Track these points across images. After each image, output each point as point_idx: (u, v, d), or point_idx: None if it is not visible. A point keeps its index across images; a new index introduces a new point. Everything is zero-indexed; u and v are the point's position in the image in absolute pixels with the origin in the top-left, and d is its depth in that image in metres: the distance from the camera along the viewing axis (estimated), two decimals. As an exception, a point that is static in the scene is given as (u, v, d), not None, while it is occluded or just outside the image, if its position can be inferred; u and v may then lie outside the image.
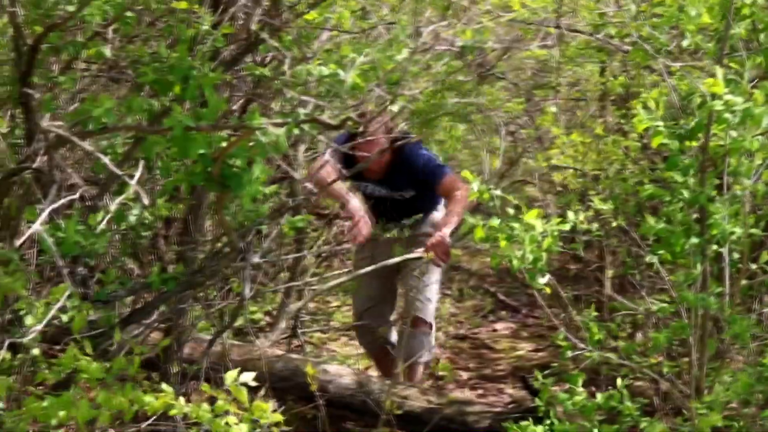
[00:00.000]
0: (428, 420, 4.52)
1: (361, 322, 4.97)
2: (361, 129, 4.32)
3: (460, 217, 4.66)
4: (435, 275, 5.12)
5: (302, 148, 4.82)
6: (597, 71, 7.56)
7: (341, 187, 4.63)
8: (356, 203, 4.66)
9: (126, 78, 3.47)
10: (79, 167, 3.46)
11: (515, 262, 3.13)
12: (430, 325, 5.05)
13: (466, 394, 6.03)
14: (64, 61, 3.25)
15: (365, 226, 4.52)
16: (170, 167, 3.15)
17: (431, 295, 5.10)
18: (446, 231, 4.61)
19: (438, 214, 5.16)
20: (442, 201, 5.17)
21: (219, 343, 3.84)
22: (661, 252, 3.27)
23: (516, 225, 3.20)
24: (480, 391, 6.32)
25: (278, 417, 2.90)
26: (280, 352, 4.77)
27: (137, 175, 2.57)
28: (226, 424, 2.78)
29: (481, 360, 6.98)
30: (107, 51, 3.15)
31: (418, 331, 4.88)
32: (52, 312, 2.61)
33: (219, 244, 3.39)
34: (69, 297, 3.06)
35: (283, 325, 4.81)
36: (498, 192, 3.37)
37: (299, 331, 5.08)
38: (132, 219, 3.21)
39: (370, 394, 4.63)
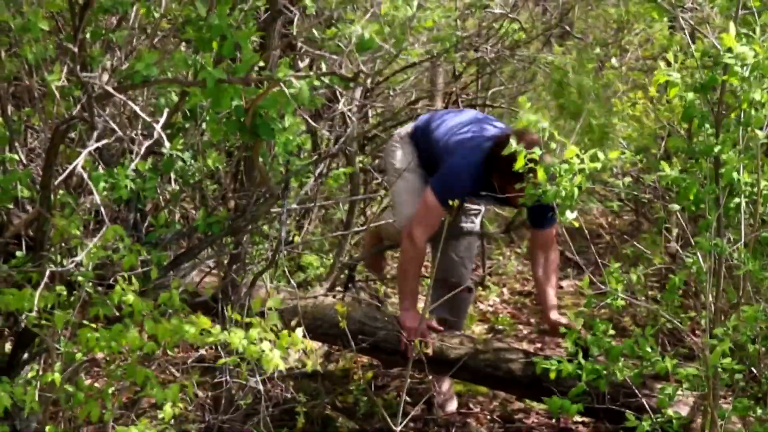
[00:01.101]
0: (472, 365, 4.71)
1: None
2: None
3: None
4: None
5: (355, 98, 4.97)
6: (666, 28, 7.59)
7: (414, 288, 4.77)
8: (412, 316, 4.71)
9: (174, 36, 3.70)
10: (133, 122, 3.71)
11: (549, 194, 3.29)
12: (470, 289, 5.29)
13: (524, 347, 6.18)
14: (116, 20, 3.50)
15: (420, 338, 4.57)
16: (215, 120, 3.39)
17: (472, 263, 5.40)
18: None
19: None
20: None
21: (263, 286, 4.07)
22: (686, 203, 3.40)
23: (555, 159, 3.36)
24: (538, 345, 6.47)
25: (310, 344, 3.13)
26: (332, 299, 4.99)
27: (161, 120, 2.80)
28: (261, 350, 3.02)
29: (542, 316, 7.11)
30: (156, 13, 3.39)
31: (462, 294, 5.06)
32: (85, 248, 2.85)
33: (260, 191, 3.62)
34: (121, 239, 3.34)
35: (336, 273, 5.01)
36: (545, 124, 3.51)
37: (356, 280, 5.29)
38: (179, 167, 3.46)
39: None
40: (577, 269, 8.06)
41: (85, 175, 2.90)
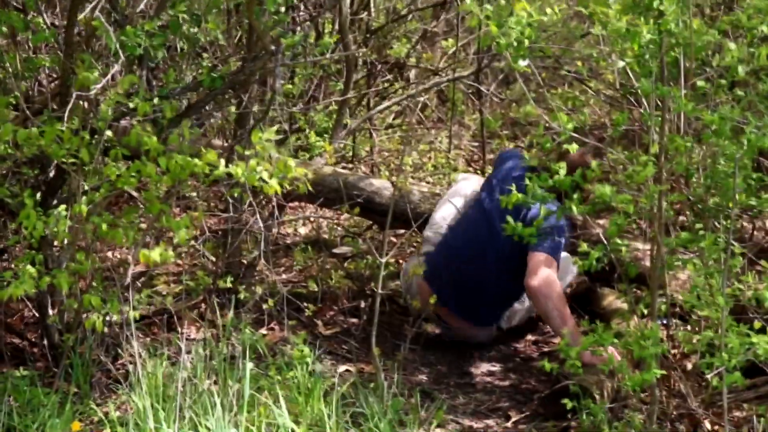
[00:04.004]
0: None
1: None
2: None
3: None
4: None
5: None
6: None
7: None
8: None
9: None
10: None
11: (502, 43, 3.68)
12: None
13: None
14: None
15: None
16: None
17: None
18: None
19: None
20: None
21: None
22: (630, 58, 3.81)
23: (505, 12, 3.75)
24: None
25: (301, 170, 3.59)
26: (331, 168, 5.46)
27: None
28: (260, 178, 3.49)
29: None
30: None
31: None
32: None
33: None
34: (137, 90, 3.82)
35: (338, 142, 5.38)
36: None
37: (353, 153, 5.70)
38: (184, 29, 3.90)
39: (410, 203, 5.31)
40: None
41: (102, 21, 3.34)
